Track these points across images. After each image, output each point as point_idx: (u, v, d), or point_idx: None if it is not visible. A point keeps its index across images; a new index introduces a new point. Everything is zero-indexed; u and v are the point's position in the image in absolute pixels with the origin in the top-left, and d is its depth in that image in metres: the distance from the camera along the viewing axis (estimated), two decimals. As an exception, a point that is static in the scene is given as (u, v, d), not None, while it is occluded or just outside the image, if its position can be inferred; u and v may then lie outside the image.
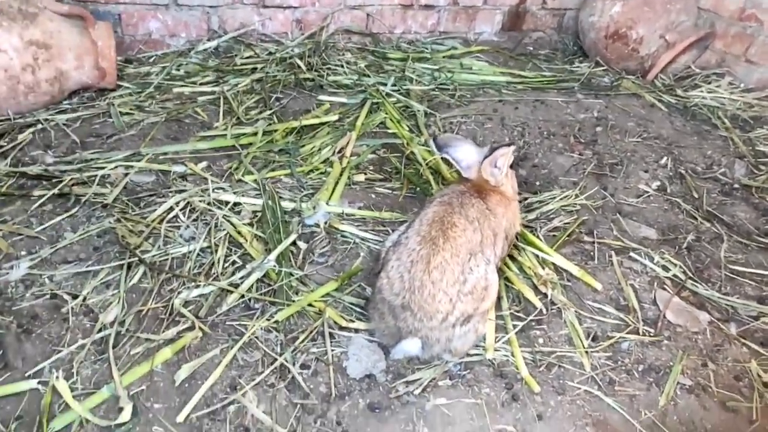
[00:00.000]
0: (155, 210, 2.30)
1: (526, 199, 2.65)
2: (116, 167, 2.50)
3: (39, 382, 1.67)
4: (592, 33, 4.11)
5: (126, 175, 2.48)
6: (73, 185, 2.39)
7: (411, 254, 1.73)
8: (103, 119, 2.89)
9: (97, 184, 2.41)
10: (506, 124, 3.28)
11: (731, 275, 2.36)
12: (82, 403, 1.61)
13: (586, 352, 1.93)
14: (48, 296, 1.96)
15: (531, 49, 4.50)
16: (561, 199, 2.65)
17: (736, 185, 2.98)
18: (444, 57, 4.03)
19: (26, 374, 1.70)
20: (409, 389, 1.74)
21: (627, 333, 2.02)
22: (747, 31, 3.90)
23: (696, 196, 2.85)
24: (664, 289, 2.22)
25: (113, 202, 2.34)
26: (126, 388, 1.67)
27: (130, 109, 2.98)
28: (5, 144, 2.58)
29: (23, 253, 2.10)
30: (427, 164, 2.75)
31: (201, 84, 3.34)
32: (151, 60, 3.54)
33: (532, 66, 4.13)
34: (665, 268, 2.32)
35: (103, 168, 2.49)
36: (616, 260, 2.33)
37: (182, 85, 3.27)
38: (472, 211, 1.86)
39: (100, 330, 1.84)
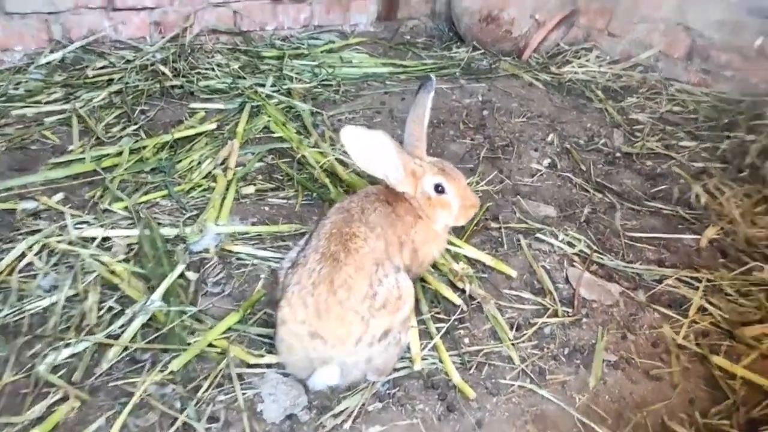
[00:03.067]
0: (1, 259, 1.91)
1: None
2: (-55, 213, 2.06)
3: None
4: (465, 17, 4.12)
5: (-41, 220, 2.05)
6: None
7: (311, 275, 1.53)
8: None
9: None
10: (395, 116, 3.17)
11: (630, 242, 2.41)
12: None
13: (513, 344, 1.86)
14: None
15: (408, 37, 4.45)
16: (462, 187, 2.58)
17: (618, 154, 3.09)
18: (322, 52, 3.85)
19: None
20: (337, 422, 1.55)
21: (547, 317, 1.98)
22: (606, 5, 4.11)
23: (584, 168, 2.92)
24: (574, 266, 2.22)
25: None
26: (-14, 491, 1.33)
27: (-41, 141, 2.49)
28: None
29: None
30: (321, 167, 2.56)
31: (47, 103, 2.89)
32: (-20, 80, 3.01)
33: (412, 55, 4.07)
34: (570, 245, 2.33)
35: (-74, 216, 2.04)
36: (524, 243, 2.30)
37: (23, 106, 2.81)
38: (373, 217, 1.69)
39: (-58, 422, 1.47)
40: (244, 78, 3.35)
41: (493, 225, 2.40)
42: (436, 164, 1.82)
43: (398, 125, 3.09)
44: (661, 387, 1.81)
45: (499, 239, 2.34)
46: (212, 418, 1.53)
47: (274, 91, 3.21)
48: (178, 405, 1.54)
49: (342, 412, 1.58)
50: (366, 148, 1.67)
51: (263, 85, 3.26)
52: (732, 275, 2.23)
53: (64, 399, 1.53)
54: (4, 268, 1.88)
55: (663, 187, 2.82)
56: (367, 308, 1.53)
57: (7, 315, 1.75)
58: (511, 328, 1.92)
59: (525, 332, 1.92)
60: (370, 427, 1.54)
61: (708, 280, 2.20)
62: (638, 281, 2.21)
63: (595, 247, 2.33)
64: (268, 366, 1.67)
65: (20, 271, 1.87)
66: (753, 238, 2.43)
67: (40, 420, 1.48)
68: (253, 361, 1.67)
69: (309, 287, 1.52)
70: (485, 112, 3.36)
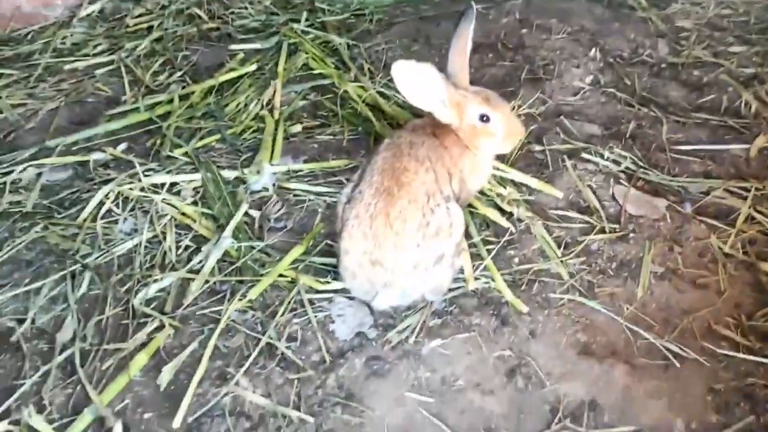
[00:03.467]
0: (84, 208, 2.08)
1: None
2: (25, 168, 2.23)
3: (10, 423, 1.53)
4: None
5: (39, 175, 2.22)
6: (-21, 199, 2.12)
7: (369, 209, 1.65)
8: (-9, 117, 2.55)
9: (9, 192, 2.15)
10: (432, 44, 3.15)
11: (676, 155, 2.42)
12: (65, 434, 1.49)
13: (561, 261, 1.96)
14: (-11, 327, 1.77)
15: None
16: (504, 111, 2.60)
17: (663, 65, 3.02)
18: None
19: (-9, 418, 1.55)
20: (402, 337, 1.71)
21: (594, 234, 2.05)
22: None
23: (628, 83, 2.88)
24: (620, 183, 2.26)
25: (33, 208, 2.10)
26: (108, 405, 1.56)
27: (22, 99, 2.64)
28: None
29: (-57, 288, 1.87)
30: (363, 101, 2.61)
31: (94, 55, 2.99)
32: (29, 37, 3.12)
33: (444, -27, 3.94)
34: (616, 162, 2.35)
35: (9, 172, 2.21)
36: (569, 164, 2.33)
37: (74, 60, 2.92)
38: (422, 150, 1.76)
39: (61, 351, 1.68)
40: (278, 14, 3.35)
41: (537, 148, 2.44)
42: (479, 93, 1.86)
43: (436, 52, 3.08)
44: (708, 295, 1.89)
45: (544, 161, 2.38)
46: (291, 338, 1.70)
47: (308, 26, 3.21)
48: (259, 328, 1.72)
49: (405, 328, 1.73)
50: (415, 81, 1.71)
51: (298, 21, 3.26)
52: (781, 182, 2.24)
53: (160, 327, 1.73)
54: (87, 215, 2.06)
55: (711, 96, 2.76)
56: (422, 236, 1.64)
57: (98, 257, 1.94)
58: (559, 246, 2.01)
59: (573, 249, 2.01)
60: (431, 341, 1.70)
61: (756, 189, 2.21)
62: (685, 194, 2.23)
63: (640, 163, 2.35)
64: (335, 291, 1.82)
65: (102, 218, 2.05)
66: (805, 144, 2.41)
67: (143, 345, 1.68)
68: (320, 287, 1.82)
69: (367, 220, 1.63)
70: (524, 31, 3.29)
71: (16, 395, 1.60)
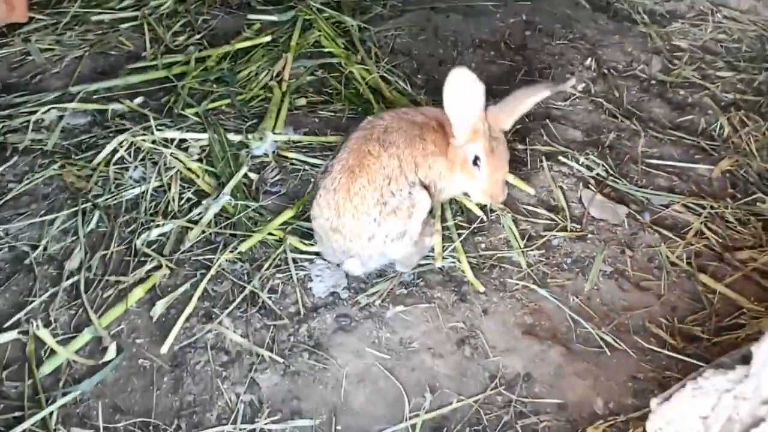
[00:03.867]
0: (99, 152, 2.29)
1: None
2: (49, 110, 2.42)
3: (19, 332, 1.75)
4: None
5: (61, 118, 2.41)
6: (6, 133, 2.32)
7: (334, 182, 1.86)
8: (21, 57, 2.74)
9: (32, 130, 2.35)
10: (440, 35, 3.31)
11: (647, 168, 2.62)
12: (67, 347, 1.72)
13: (522, 251, 2.17)
14: (7, 249, 1.99)
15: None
16: (495, 109, 2.79)
17: (653, 81, 3.19)
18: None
19: (3, 326, 1.78)
20: (370, 300, 1.93)
21: (557, 231, 2.26)
22: None
23: (617, 95, 3.06)
24: (588, 187, 2.46)
25: (53, 147, 2.30)
26: (106, 328, 1.78)
27: (49, 44, 2.82)
28: None
29: (-31, 209, 2.09)
30: (366, 83, 2.79)
31: (119, 9, 3.15)
32: (59, -17, 3.28)
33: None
34: (589, 168, 2.55)
35: (34, 112, 2.41)
36: (546, 165, 2.53)
37: (100, 12, 3.09)
38: (394, 136, 1.91)
39: (68, 277, 1.91)
40: (296, -14, 3.50)
41: (520, 146, 2.63)
42: (493, 141, 1.97)
43: (441, 44, 3.24)
44: (648, 297, 2.11)
45: (524, 159, 2.58)
46: (272, 290, 1.93)
47: (324, 4, 3.36)
48: (245, 278, 1.95)
49: (374, 293, 1.95)
50: (461, 90, 1.85)
51: (315, -3, 3.40)
52: (735, 204, 2.44)
53: (158, 267, 1.95)
54: (101, 159, 2.26)
55: (691, 117, 2.95)
56: (378, 212, 1.84)
57: (108, 199, 2.15)
58: (523, 238, 2.22)
59: (535, 242, 2.22)
60: (395, 307, 1.92)
61: (711, 208, 2.41)
62: (646, 205, 2.44)
63: (611, 171, 2.55)
64: (317, 254, 2.04)
65: (115, 163, 2.25)
66: (765, 172, 2.60)
67: (141, 281, 1.90)
68: (304, 248, 2.04)
69: (332, 191, 1.84)
70: (527, 33, 3.45)
71: (26, 310, 1.83)
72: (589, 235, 2.28)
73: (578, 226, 2.30)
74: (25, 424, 1.55)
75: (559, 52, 3.32)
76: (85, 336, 1.76)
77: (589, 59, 3.27)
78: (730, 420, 0.89)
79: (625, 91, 3.08)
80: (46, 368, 1.68)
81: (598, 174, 2.53)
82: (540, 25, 3.51)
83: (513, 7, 3.67)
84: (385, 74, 2.86)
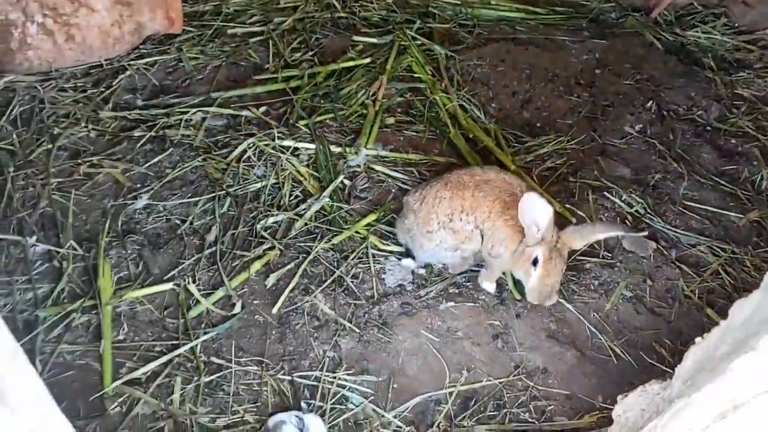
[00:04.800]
0: (232, 151, 2.94)
1: (525, 142, 3.23)
2: (196, 112, 3.10)
3: (174, 284, 2.43)
4: (605, -33, 4.38)
5: (204, 119, 3.09)
6: (165, 128, 3.01)
7: (432, 182, 2.47)
8: (174, 63, 3.43)
9: (183, 128, 3.03)
10: (517, 67, 3.75)
11: (683, 210, 2.99)
12: (207, 299, 2.38)
13: (558, 270, 2.64)
14: (165, 221, 2.68)
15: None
16: (555, 143, 3.23)
17: (708, 127, 3.51)
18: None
19: (163, 279, 2.46)
20: (429, 295, 2.49)
21: (590, 257, 2.71)
22: (749, -29, 4.17)
23: (671, 137, 3.41)
24: (625, 223, 2.88)
25: (198, 143, 2.97)
26: (234, 289, 2.43)
27: (196, 54, 3.49)
28: (104, 89, 3.17)
29: (138, 186, 2.79)
30: (446, 109, 3.30)
31: (249, 23, 3.79)
32: (202, -3, 3.96)
33: (545, 1, 4.44)
34: (629, 205, 2.96)
35: (185, 112, 3.09)
36: (591, 198, 2.96)
37: (234, 26, 3.74)
38: (489, 187, 2.35)
39: (207, 247, 2.57)
40: (396, 12, 4.02)
41: (571, 179, 3.07)
42: (554, 252, 2.24)
43: (516, 75, 3.68)
44: (659, 321, 2.54)
45: (573, 191, 3.02)
46: (354, 276, 2.52)
47: (418, 30, 3.85)
48: (335, 264, 2.55)
49: (433, 289, 2.50)
50: (533, 209, 2.16)
51: (412, 22, 3.90)
52: (755, 252, 2.79)
53: (272, 248, 2.58)
54: (233, 157, 2.91)
55: (736, 165, 3.27)
56: (442, 221, 2.39)
57: (237, 189, 2.79)
58: (560, 258, 2.69)
59: (570, 264, 2.68)
60: (448, 302, 2.46)
61: (732, 252, 2.78)
62: (675, 242, 2.84)
63: (649, 210, 2.95)
64: (391, 252, 2.61)
65: (243, 161, 2.90)
66: (792, 226, 2.92)
67: (259, 257, 2.54)
68: (382, 247, 2.61)
69: (428, 185, 2.45)
70: (597, 71, 3.82)
71: (178, 269, 2.50)
72: (618, 264, 2.71)
73: (609, 255, 2.74)
74: (179, 350, 2.22)
75: (624, 92, 3.68)
76: (219, 293, 2.41)
77: (651, 101, 3.61)
78: (658, 412, 1.36)
79: (679, 135, 3.42)
80: (192, 313, 2.35)
81: (636, 211, 2.94)
82: (611, 65, 3.87)
83: (589, 44, 4.04)
84: (464, 102, 3.36)
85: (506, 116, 3.44)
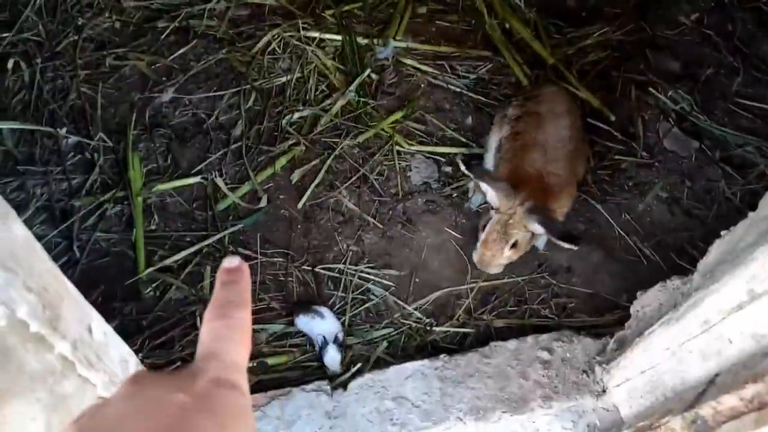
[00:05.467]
0: (256, 43, 2.84)
1: (568, 33, 3.00)
2: (219, 1, 2.98)
3: (201, 178, 2.47)
4: None
5: (227, 9, 2.97)
6: (188, 19, 2.92)
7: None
8: (195, -51, 3.26)
9: (207, 17, 2.93)
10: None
11: (734, 108, 2.79)
12: (234, 193, 2.42)
13: (591, 169, 2.55)
14: (191, 115, 2.67)
15: None
16: (599, 33, 2.99)
17: (775, 16, 3.17)
18: None
19: (191, 172, 2.50)
20: (455, 193, 2.45)
21: (627, 156, 2.59)
22: None
23: (730, 28, 3.11)
24: (669, 120, 2.71)
25: (222, 35, 2.88)
26: (260, 183, 2.45)
27: (218, -63, 3.30)
28: (125, -22, 3.06)
29: (164, 79, 2.76)
30: (482, -3, 3.07)
31: None
32: None
33: None
34: (674, 101, 2.77)
35: (208, 1, 2.97)
36: (634, 94, 2.78)
37: None
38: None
39: (233, 142, 2.57)
40: None
41: (614, 73, 2.87)
42: (503, 225, 1.99)
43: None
44: (694, 223, 2.45)
45: (615, 86, 2.83)
46: (379, 174, 2.49)
47: None
48: (360, 161, 2.52)
49: (460, 186, 2.46)
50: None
51: None
52: (809, 153, 2.61)
53: (297, 143, 2.55)
54: (257, 49, 2.82)
55: (801, 59, 2.98)
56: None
57: (262, 83, 2.74)
58: (595, 157, 2.59)
59: (605, 163, 2.58)
60: (475, 200, 2.43)
61: (783, 153, 2.61)
62: (720, 142, 2.67)
63: (695, 108, 2.76)
64: (418, 151, 2.54)
65: (268, 53, 2.81)
66: None
67: (284, 152, 2.53)
68: (406, 146, 2.55)
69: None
70: (655, -49, 3.45)
71: (205, 163, 2.52)
72: (656, 164, 2.59)
73: (647, 155, 2.61)
74: (208, 241, 2.29)
75: (682, -24, 3.33)
76: (245, 187, 2.44)
77: (712, -14, 3.27)
78: (675, 304, 1.34)
79: (740, 25, 3.12)
80: (220, 206, 2.39)
81: (682, 108, 2.76)
82: (669, -55, 3.48)
83: None
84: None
85: (548, 4, 3.17)
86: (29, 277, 0.68)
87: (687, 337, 1.21)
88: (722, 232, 1.33)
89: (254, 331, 2.09)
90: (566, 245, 1.85)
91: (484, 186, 1.95)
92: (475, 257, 2.10)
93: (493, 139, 2.32)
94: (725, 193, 2.52)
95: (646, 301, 1.52)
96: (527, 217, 1.92)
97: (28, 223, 2.25)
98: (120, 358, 0.96)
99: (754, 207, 2.52)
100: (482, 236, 2.02)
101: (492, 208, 2.01)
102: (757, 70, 2.93)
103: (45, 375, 0.75)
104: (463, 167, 1.98)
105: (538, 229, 1.92)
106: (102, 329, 0.91)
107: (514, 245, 2.01)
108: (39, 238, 2.23)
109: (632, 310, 1.60)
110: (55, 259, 2.20)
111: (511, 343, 1.84)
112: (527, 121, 2.24)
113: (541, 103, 2.29)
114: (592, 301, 2.27)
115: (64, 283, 0.80)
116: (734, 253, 1.11)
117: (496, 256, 2.03)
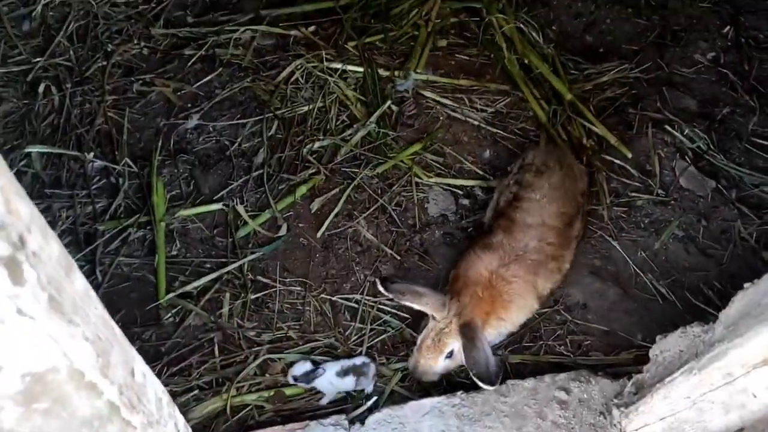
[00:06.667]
0: (280, 72, 2.91)
1: (585, 69, 3.05)
2: (245, 30, 3.05)
3: (223, 204, 2.51)
4: None
5: (253, 38, 3.04)
6: (215, 47, 2.99)
7: None
8: (223, -22, 3.35)
9: (233, 47, 3.00)
10: (580, -13, 3.48)
11: (750, 147, 2.81)
12: (254, 221, 2.45)
13: (608, 206, 2.57)
14: (214, 141, 2.72)
15: None
16: (617, 71, 3.03)
17: (792, 57, 3.21)
18: None
19: (213, 198, 2.54)
20: (469, 226, 2.48)
21: (643, 194, 2.61)
22: None
23: (746, 68, 3.14)
24: (685, 159, 2.73)
25: (247, 63, 2.95)
26: (280, 212, 2.49)
27: (245, -32, 3.39)
28: (155, 5, 3.14)
29: (189, 105, 2.83)
30: (502, 32, 3.13)
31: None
32: None
33: None
34: (690, 140, 2.79)
35: (235, 30, 3.05)
36: (650, 131, 2.81)
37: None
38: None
39: (256, 169, 2.62)
40: None
41: (631, 111, 2.91)
42: (438, 333, 1.90)
43: (581, -5, 3.42)
44: (710, 263, 2.46)
45: (632, 123, 2.86)
46: (398, 204, 2.53)
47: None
48: (379, 192, 2.55)
49: (477, 218, 2.49)
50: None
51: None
52: (825, 196, 2.62)
53: (317, 173, 2.60)
54: (281, 79, 2.88)
55: (816, 100, 3.01)
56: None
57: (284, 112, 2.79)
58: (611, 194, 2.61)
59: (621, 200, 2.60)
60: (490, 234, 2.45)
61: (799, 195, 2.62)
62: (737, 181, 2.69)
63: (711, 146, 2.78)
64: (435, 183, 2.58)
65: (291, 83, 2.87)
66: None
67: (304, 181, 2.57)
68: (424, 178, 2.59)
69: None
70: (673, -9, 3.50)
71: (226, 189, 2.57)
72: (672, 202, 2.61)
73: (664, 192, 2.63)
74: (228, 268, 2.32)
75: (699, 16, 3.37)
76: (266, 214, 2.48)
77: (729, 27, 3.31)
78: (696, 354, 1.35)
79: (756, 65, 3.15)
80: (240, 233, 2.43)
81: (698, 146, 2.78)
82: (687, -15, 3.53)
83: (664, -40, 3.68)
84: (522, 24, 3.16)
85: (566, 40, 3.24)
86: (87, 327, 0.72)
87: (709, 388, 1.22)
88: (745, 285, 1.35)
89: (271, 360, 2.11)
90: (480, 383, 1.72)
91: (411, 306, 1.84)
92: (410, 363, 1.93)
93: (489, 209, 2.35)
94: (741, 233, 2.53)
95: (665, 346, 1.53)
96: (462, 336, 1.78)
97: (54, 246, 2.30)
98: (156, 398, 0.99)
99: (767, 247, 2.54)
100: (418, 341, 1.89)
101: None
102: (773, 110, 2.96)
103: (92, 420, 0.78)
104: (381, 287, 1.86)
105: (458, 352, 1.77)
106: (142, 370, 0.94)
107: (449, 355, 1.88)
108: (64, 261, 2.30)
109: (651, 354, 1.61)
110: (79, 282, 2.27)
111: (529, 382, 1.85)
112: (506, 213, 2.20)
113: (524, 200, 2.20)
114: (607, 338, 2.27)
115: (113, 329, 0.83)
116: (758, 309, 1.13)
117: (431, 365, 1.89)
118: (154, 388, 1.01)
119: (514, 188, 2.20)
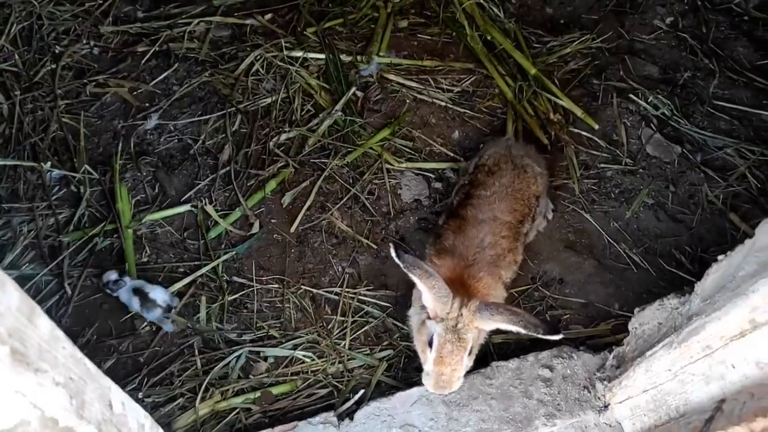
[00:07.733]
0: (239, 64, 2.82)
1: (548, 42, 3.04)
2: (199, 22, 2.95)
3: (191, 206, 2.44)
4: None
5: (208, 30, 2.94)
6: (168, 42, 2.89)
7: None
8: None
9: (187, 40, 2.90)
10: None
11: (712, 110, 2.85)
12: (225, 220, 2.40)
13: (578, 179, 2.59)
14: (177, 141, 2.64)
15: None
16: (579, 42, 3.03)
17: (746, 17, 3.25)
18: None
19: (181, 200, 2.47)
20: (445, 208, 2.47)
21: (612, 164, 2.64)
22: None
23: (704, 30, 3.17)
24: (650, 126, 2.76)
25: (204, 56, 2.85)
26: (250, 209, 2.44)
27: (193, -44, 3.26)
28: (102, 2, 3.01)
29: (147, 105, 2.73)
30: (462, 8, 3.09)
31: None
32: None
33: None
34: (655, 107, 2.82)
35: (188, 23, 2.94)
36: (615, 101, 2.83)
37: None
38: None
39: (222, 167, 2.55)
40: None
41: (595, 81, 2.92)
42: (452, 332, 1.71)
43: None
44: (680, 228, 2.51)
45: (597, 94, 2.88)
46: (370, 192, 2.50)
47: None
48: (350, 181, 2.52)
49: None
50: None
51: None
52: (786, 154, 2.68)
53: (286, 165, 2.54)
54: (240, 71, 2.80)
55: (774, 59, 3.06)
56: None
57: (247, 105, 2.72)
58: (581, 167, 2.63)
59: (591, 172, 2.62)
60: (465, 216, 2.44)
61: (762, 154, 2.68)
62: (701, 145, 2.73)
63: (675, 112, 2.82)
64: (407, 168, 2.56)
65: (252, 75, 2.79)
66: (828, 124, 2.78)
67: (273, 176, 2.52)
68: (395, 164, 2.56)
69: None
70: (628, -44, 3.50)
71: (194, 190, 2.50)
72: (640, 170, 2.64)
73: (632, 161, 2.66)
74: (202, 271, 2.27)
75: (656, -20, 3.38)
76: (237, 213, 2.42)
77: (685, -11, 3.33)
78: (675, 327, 1.37)
79: (713, 27, 3.18)
80: (212, 234, 2.38)
81: (663, 113, 2.81)
82: (643, -51, 3.53)
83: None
84: (482, 0, 3.13)
85: (527, 13, 3.22)
86: (56, 371, 0.68)
87: (689, 360, 1.25)
88: (719, 257, 1.37)
89: (254, 361, 2.08)
90: (551, 337, 1.60)
91: (417, 283, 1.68)
92: (429, 382, 1.72)
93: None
94: (708, 197, 2.58)
95: (643, 318, 1.55)
96: (480, 317, 1.67)
97: (17, 263, 2.21)
98: (138, 425, 0.96)
99: (735, 209, 2.60)
100: (432, 355, 1.70)
101: (428, 318, 1.75)
102: (733, 72, 3.00)
103: (72, 462, 0.74)
104: (393, 253, 1.70)
105: (487, 325, 1.69)
106: (120, 399, 0.91)
107: (470, 351, 1.73)
108: (29, 278, 2.21)
109: (630, 326, 1.64)
110: (47, 298, 2.18)
111: (513, 362, 1.87)
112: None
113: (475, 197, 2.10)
114: (585, 310, 2.30)
115: (85, 365, 0.79)
116: (734, 282, 1.14)
117: (457, 370, 1.71)
118: (135, 415, 0.97)
119: (467, 188, 2.18)
